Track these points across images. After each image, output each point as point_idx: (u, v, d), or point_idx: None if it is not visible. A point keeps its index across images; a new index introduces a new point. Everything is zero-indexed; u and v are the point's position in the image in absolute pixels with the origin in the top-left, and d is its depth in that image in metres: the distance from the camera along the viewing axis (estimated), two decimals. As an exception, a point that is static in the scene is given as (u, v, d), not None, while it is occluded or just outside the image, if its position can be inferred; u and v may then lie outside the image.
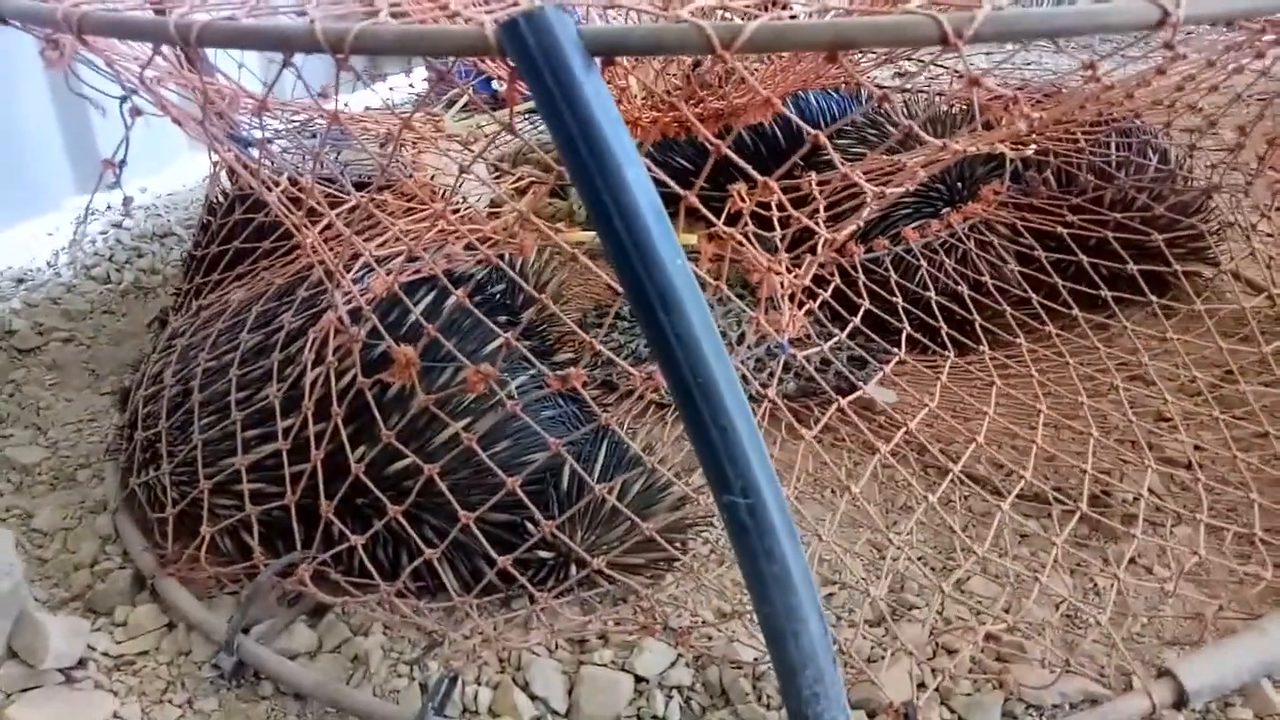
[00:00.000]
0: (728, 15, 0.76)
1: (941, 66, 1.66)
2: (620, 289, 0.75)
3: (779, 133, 1.79)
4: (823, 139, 0.75)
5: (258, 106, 0.87)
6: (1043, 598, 1.09)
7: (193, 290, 1.48)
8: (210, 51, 0.84)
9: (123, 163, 0.96)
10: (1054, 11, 0.66)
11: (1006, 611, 1.10)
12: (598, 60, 0.70)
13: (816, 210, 0.98)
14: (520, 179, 1.53)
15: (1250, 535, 1.11)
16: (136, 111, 0.92)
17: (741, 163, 0.79)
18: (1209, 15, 0.70)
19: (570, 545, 0.99)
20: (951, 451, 1.33)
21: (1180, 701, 0.93)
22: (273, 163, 1.13)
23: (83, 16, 0.81)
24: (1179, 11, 0.67)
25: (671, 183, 0.80)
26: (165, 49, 0.87)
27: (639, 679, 1.04)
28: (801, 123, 0.75)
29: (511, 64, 0.69)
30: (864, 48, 0.68)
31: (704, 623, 1.10)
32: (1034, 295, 1.44)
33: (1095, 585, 1.15)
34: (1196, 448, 1.30)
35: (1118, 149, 1.51)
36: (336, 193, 1.09)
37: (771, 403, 1.04)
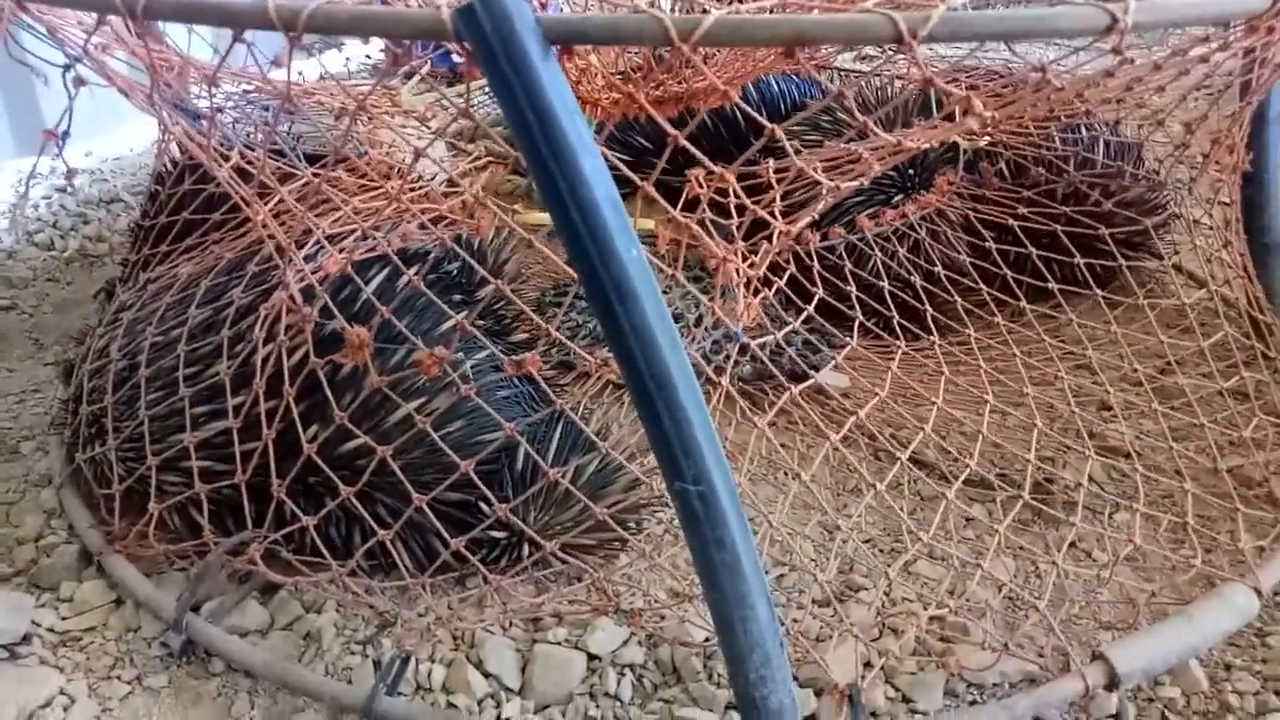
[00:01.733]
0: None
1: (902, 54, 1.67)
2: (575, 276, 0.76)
3: (740, 116, 1.79)
4: (779, 133, 0.75)
5: (207, 79, 0.85)
6: (987, 581, 1.12)
7: (140, 262, 1.45)
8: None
9: (65, 133, 0.94)
10: (1006, 14, 0.67)
11: (951, 594, 1.13)
12: (555, 48, 0.70)
13: (773, 200, 0.99)
14: (478, 156, 1.51)
15: (1183, 523, 1.15)
16: (80, 81, 0.90)
17: (698, 154, 0.79)
18: (1156, 21, 0.71)
19: (523, 528, 0.99)
20: (902, 437, 1.35)
21: (1112, 683, 0.96)
22: (223, 135, 1.10)
23: (24, -17, 0.79)
24: (1127, 17, 0.69)
25: (626, 170, 0.80)
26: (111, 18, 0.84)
27: (592, 657, 1.05)
28: (757, 116, 0.76)
29: (468, 49, 0.68)
30: (821, 44, 0.68)
31: (657, 603, 1.12)
32: (984, 287, 1.46)
33: (1037, 569, 1.18)
34: (1137, 436, 1.34)
35: (1066, 144, 1.53)
36: (288, 166, 1.07)
37: (726, 389, 1.05)
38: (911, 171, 1.59)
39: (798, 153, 1.08)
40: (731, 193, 0.99)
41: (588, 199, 0.71)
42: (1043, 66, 0.78)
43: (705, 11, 0.68)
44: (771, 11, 0.75)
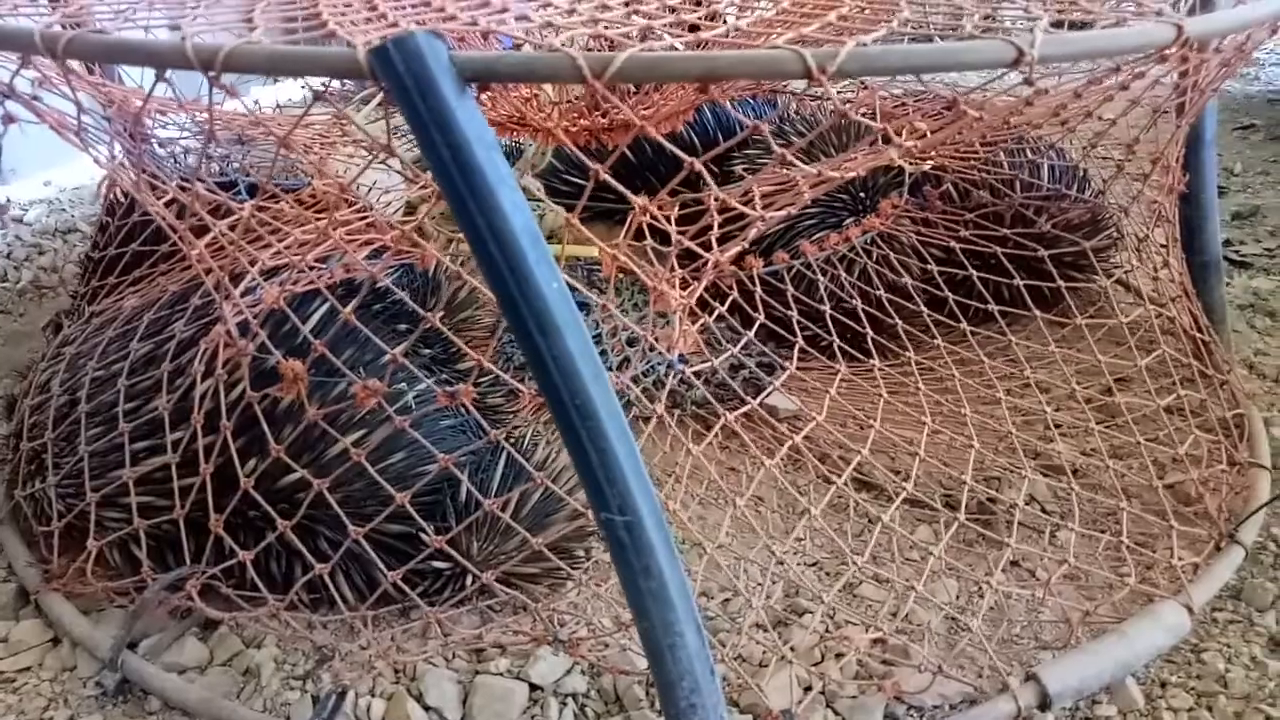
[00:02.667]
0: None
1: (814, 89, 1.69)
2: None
3: (695, 137, 1.81)
4: (699, 167, 0.76)
5: (135, 116, 0.85)
6: (928, 602, 1.13)
7: (87, 294, 1.44)
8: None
9: None
10: (915, 49, 0.68)
11: (894, 616, 1.14)
12: (473, 85, 0.71)
13: (709, 227, 1.00)
14: (429, 185, 1.52)
15: (1120, 542, 1.17)
16: (9, 119, 0.90)
17: (617, 185, 0.80)
18: (1064, 54, 0.73)
19: (461, 560, 0.99)
20: (850, 458, 1.36)
21: (1044, 703, 0.97)
22: (158, 168, 1.10)
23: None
24: (1033, 50, 0.71)
25: (550, 202, 0.81)
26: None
27: (534, 687, 1.05)
28: (677, 151, 0.77)
29: (384, 87, 0.69)
30: (732, 80, 0.70)
31: (601, 631, 1.12)
32: (926, 311, 1.48)
33: (980, 589, 1.19)
34: (1080, 454, 1.36)
35: (1010, 167, 1.56)
36: (227, 199, 1.07)
37: (662, 416, 1.05)
38: (861, 195, 1.61)
39: (741, 178, 1.09)
40: (672, 221, 1.00)
41: (505, 232, 0.72)
42: (954, 98, 0.79)
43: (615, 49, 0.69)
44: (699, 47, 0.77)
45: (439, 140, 0.70)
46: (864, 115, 0.79)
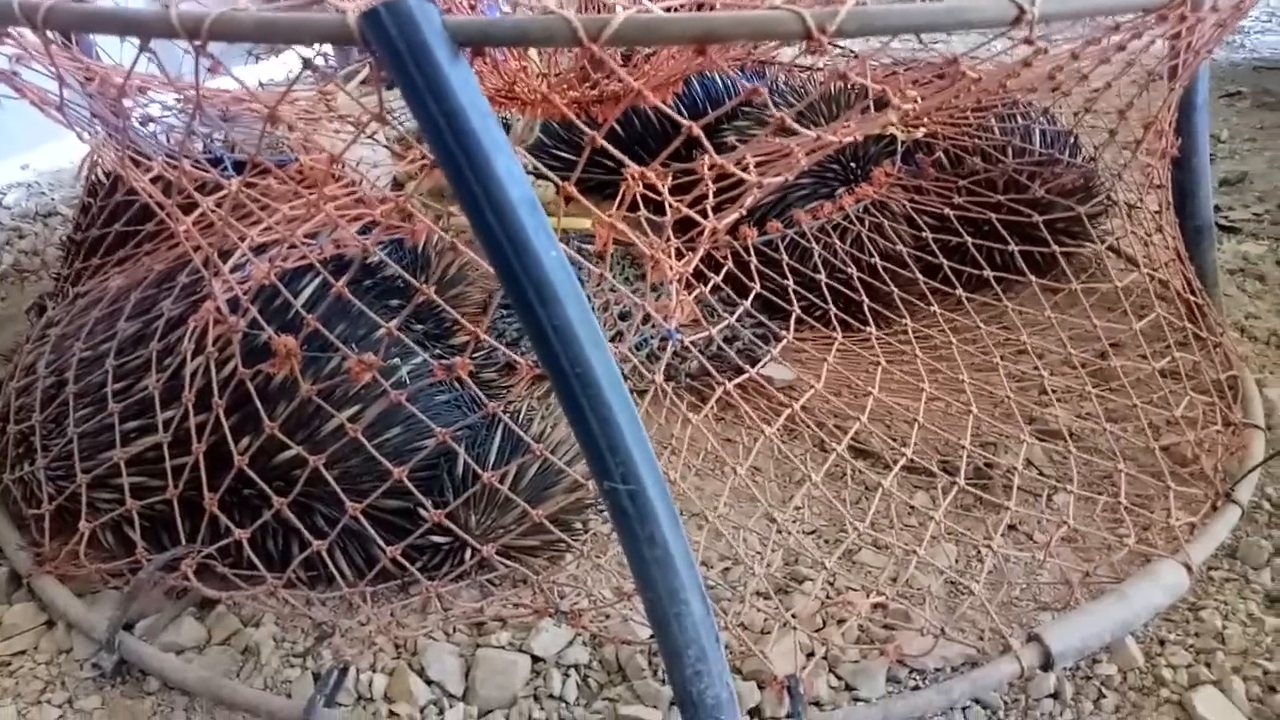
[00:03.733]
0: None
1: (837, 45, 1.68)
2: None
3: (683, 109, 1.79)
4: (696, 131, 0.75)
5: (119, 89, 0.83)
6: (928, 567, 1.13)
7: (71, 276, 1.42)
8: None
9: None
10: (915, 8, 0.68)
11: (894, 581, 1.14)
12: (466, 50, 0.69)
13: (704, 196, 0.99)
14: (416, 159, 1.50)
15: (1118, 503, 1.17)
16: (-11, 94, 0.88)
17: (616, 152, 0.79)
18: (1064, 12, 0.72)
19: (460, 534, 0.99)
20: (848, 427, 1.36)
21: (1047, 663, 0.98)
22: (144, 145, 1.08)
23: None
24: (1034, 9, 0.70)
25: (549, 173, 0.80)
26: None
27: (536, 659, 1.05)
28: (676, 115, 0.76)
29: (375, 53, 0.68)
30: (730, 41, 0.69)
31: (602, 602, 1.11)
32: (922, 278, 1.47)
33: (979, 554, 1.20)
34: (1076, 419, 1.36)
35: (1002, 133, 1.55)
36: (214, 175, 1.05)
37: (661, 386, 1.05)
38: (853, 164, 1.60)
39: (733, 148, 1.08)
40: (665, 189, 0.99)
41: (502, 201, 0.70)
42: (954, 59, 0.78)
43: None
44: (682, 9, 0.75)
45: (433, 107, 0.68)
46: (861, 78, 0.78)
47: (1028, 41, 0.77)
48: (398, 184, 1.83)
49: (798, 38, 0.68)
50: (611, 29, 0.67)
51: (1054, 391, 1.39)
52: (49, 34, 0.81)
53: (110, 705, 1.00)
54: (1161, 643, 1.05)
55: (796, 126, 0.77)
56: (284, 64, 3.23)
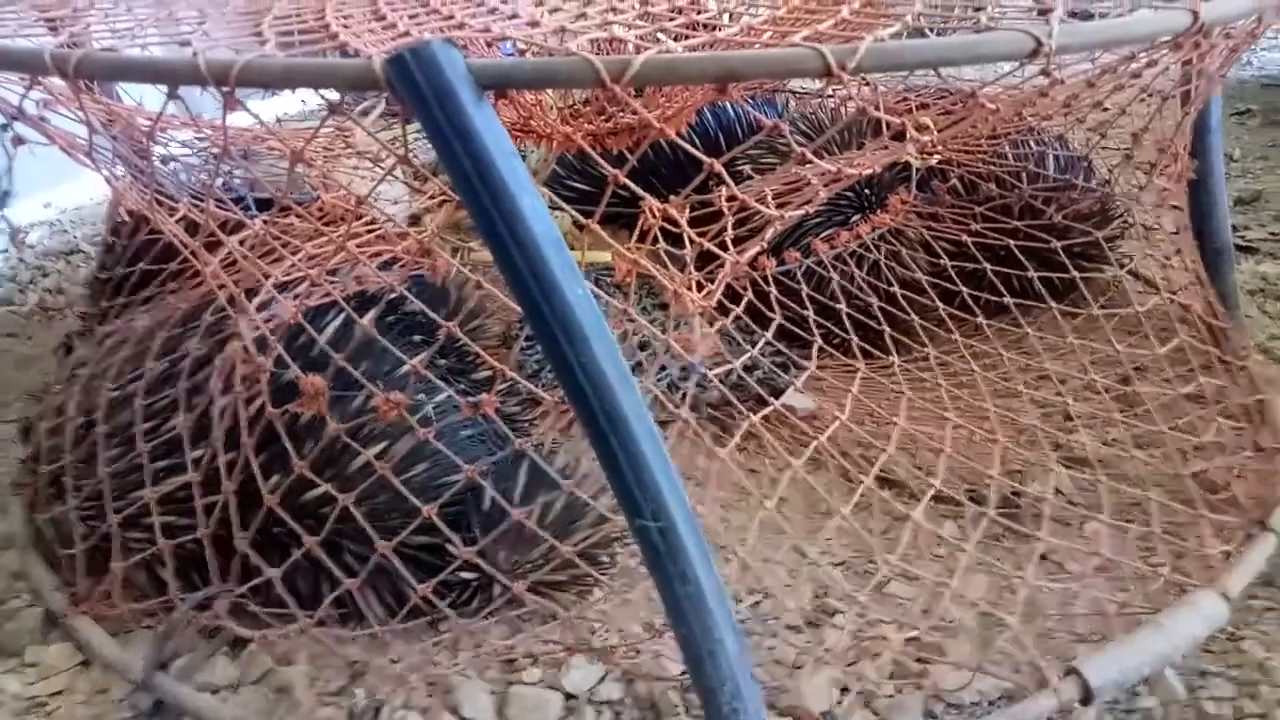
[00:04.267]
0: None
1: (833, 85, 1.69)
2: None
3: (695, 138, 1.80)
4: (718, 167, 0.76)
5: (146, 134, 0.85)
6: (960, 599, 1.12)
7: (98, 316, 1.44)
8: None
9: (6, 193, 0.93)
10: (932, 43, 0.68)
11: (925, 614, 1.13)
12: (489, 93, 0.70)
13: (724, 229, 1.00)
14: (434, 195, 1.51)
15: (1151, 532, 1.16)
16: (19, 140, 0.89)
17: (637, 190, 0.79)
18: (1080, 44, 0.73)
19: (489, 570, 0.99)
20: (872, 457, 1.35)
21: (1086, 697, 0.96)
22: (169, 186, 1.10)
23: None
24: (1051, 41, 0.70)
25: (570, 211, 0.81)
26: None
27: (568, 696, 1.04)
28: (695, 151, 0.76)
29: (400, 98, 0.69)
30: (750, 80, 0.69)
31: (631, 637, 1.11)
32: (941, 305, 1.47)
33: (1010, 585, 1.18)
34: (1103, 445, 1.35)
35: (1016, 159, 1.55)
36: (237, 214, 1.07)
37: (686, 421, 1.04)
38: (868, 192, 1.61)
39: (749, 178, 1.08)
40: (684, 223, 1.00)
41: (528, 239, 0.71)
42: (973, 90, 0.79)
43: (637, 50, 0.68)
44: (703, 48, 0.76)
45: (459, 149, 0.69)
46: (882, 112, 0.78)
47: (1044, 73, 0.77)
48: (414, 219, 1.85)
49: (818, 75, 0.69)
50: (633, 70, 0.68)
51: (1078, 418, 1.37)
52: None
53: (144, 746, 1.00)
54: (1202, 674, 1.03)
55: (815, 159, 0.77)
56: (299, 98, 3.27)
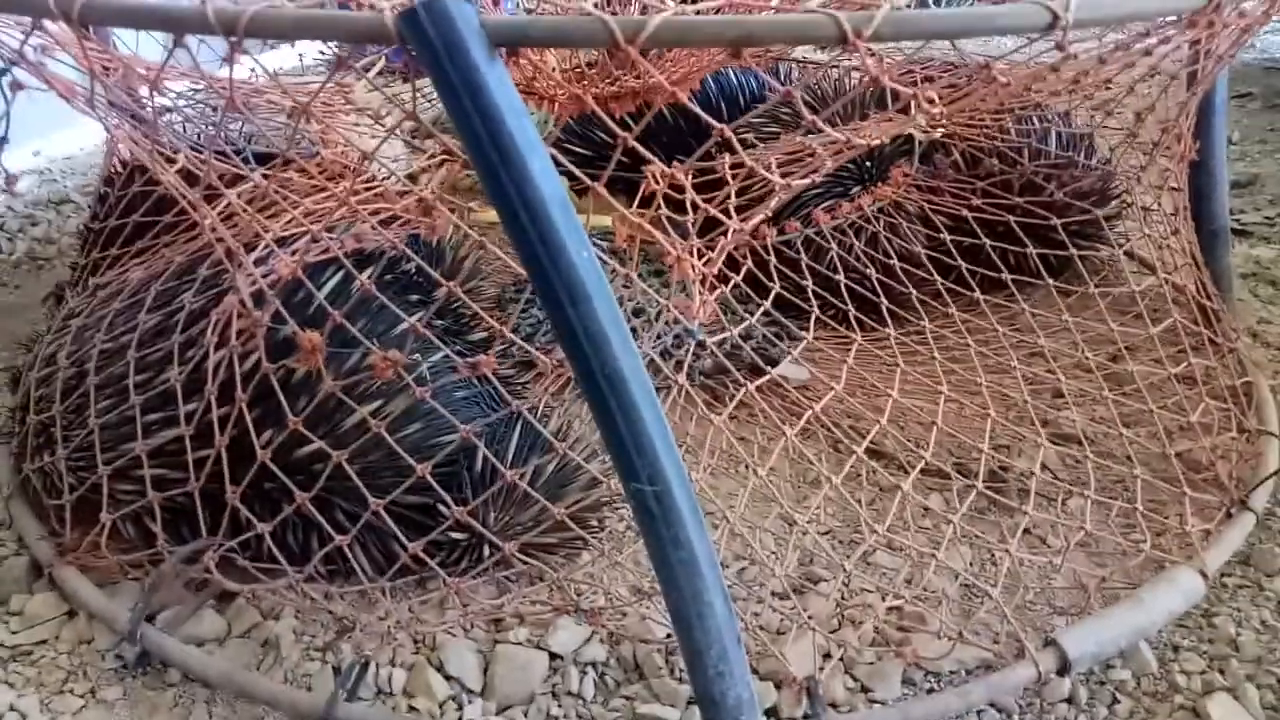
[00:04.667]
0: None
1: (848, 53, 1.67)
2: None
3: (698, 104, 1.78)
4: (728, 133, 0.75)
5: (150, 83, 0.83)
6: (943, 570, 1.14)
7: (89, 266, 1.42)
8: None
9: (3, 139, 0.91)
10: (949, 12, 0.68)
11: (909, 583, 1.15)
12: (501, 50, 0.69)
13: (728, 196, 0.99)
14: (435, 153, 1.50)
15: (1134, 508, 1.18)
16: (18, 85, 0.88)
17: (646, 153, 0.79)
18: (1097, 18, 0.72)
19: (481, 531, 0.99)
20: (862, 428, 1.37)
21: (1064, 668, 0.98)
22: (169, 137, 1.08)
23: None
24: (1068, 15, 0.70)
25: (577, 172, 0.80)
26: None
27: (554, 656, 1.05)
28: (706, 116, 0.76)
29: (411, 52, 0.68)
30: (767, 45, 0.69)
31: (618, 600, 1.12)
32: (939, 279, 1.47)
33: (993, 557, 1.20)
34: (1090, 423, 1.36)
35: (1019, 135, 1.55)
36: (239, 168, 1.05)
37: (684, 387, 1.05)
38: (869, 164, 1.60)
39: (753, 146, 1.08)
40: (690, 188, 0.99)
41: (535, 200, 0.71)
42: (987, 63, 0.78)
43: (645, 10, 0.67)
44: (718, 11, 0.75)
45: (469, 107, 0.68)
46: (892, 81, 0.77)
47: (1059, 47, 0.77)
48: (411, 179, 1.83)
49: (834, 42, 0.68)
50: (649, 31, 0.67)
51: (1068, 394, 1.39)
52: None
53: (132, 696, 1.01)
54: (1175, 649, 1.05)
55: (825, 128, 0.77)
56: (296, 51, 3.22)
